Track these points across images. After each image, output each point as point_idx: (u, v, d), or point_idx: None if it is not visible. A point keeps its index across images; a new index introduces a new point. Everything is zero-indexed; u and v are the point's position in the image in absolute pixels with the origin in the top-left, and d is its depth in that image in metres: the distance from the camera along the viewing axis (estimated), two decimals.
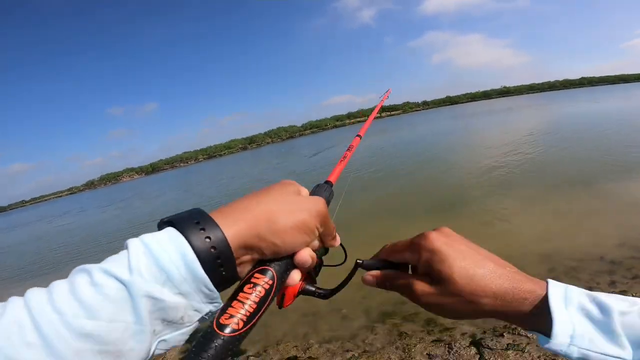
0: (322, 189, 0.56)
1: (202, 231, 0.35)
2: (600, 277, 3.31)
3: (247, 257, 0.39)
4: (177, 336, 0.35)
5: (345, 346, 3.00)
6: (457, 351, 2.55)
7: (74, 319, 0.28)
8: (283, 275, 0.41)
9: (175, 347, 0.37)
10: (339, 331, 3.30)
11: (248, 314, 0.36)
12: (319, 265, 0.52)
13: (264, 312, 0.38)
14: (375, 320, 3.34)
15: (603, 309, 0.38)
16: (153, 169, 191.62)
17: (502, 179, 7.81)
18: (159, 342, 0.34)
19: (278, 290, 0.40)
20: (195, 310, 0.35)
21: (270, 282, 0.39)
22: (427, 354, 2.62)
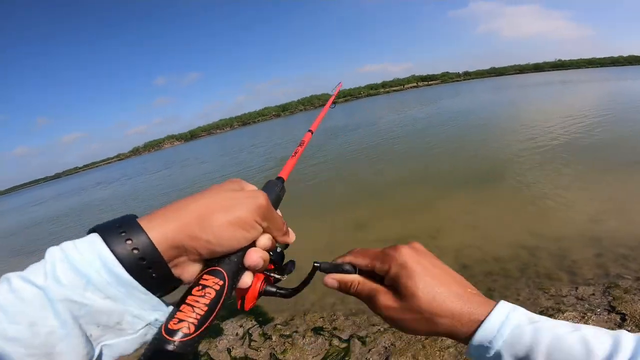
0: (272, 185, 0.55)
1: (122, 234, 0.35)
2: None
3: (182, 259, 0.38)
4: (123, 343, 0.35)
5: (372, 320, 3.02)
6: None
7: None
8: (235, 276, 0.40)
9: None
10: (366, 305, 3.32)
11: (199, 317, 0.35)
12: (282, 262, 0.52)
13: (217, 312, 0.37)
14: None
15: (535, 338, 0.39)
16: (191, 135, 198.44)
17: (552, 154, 7.32)
18: (102, 346, 0.35)
19: (231, 291, 0.39)
20: (135, 316, 0.35)
21: (221, 282, 0.38)
22: None
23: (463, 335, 0.43)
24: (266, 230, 0.44)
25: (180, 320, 0.34)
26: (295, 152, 0.74)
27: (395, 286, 0.46)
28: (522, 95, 26.25)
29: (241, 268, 0.42)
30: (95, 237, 0.35)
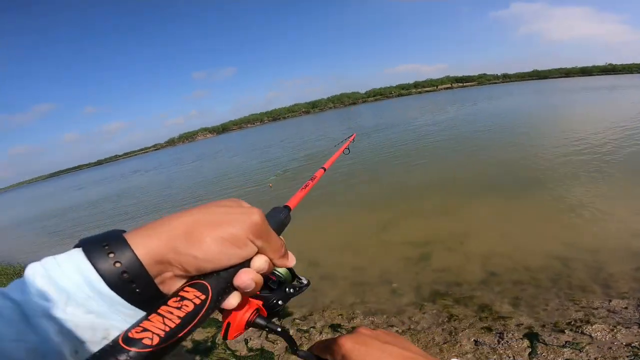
0: (277, 211, 0.53)
1: (105, 248, 0.34)
2: None
3: (168, 274, 0.37)
4: None
5: (390, 321, 3.02)
6: (507, 342, 2.43)
7: None
8: (221, 293, 0.38)
9: None
10: (386, 305, 3.33)
11: (167, 329, 0.31)
12: (286, 300, 0.50)
13: (192, 328, 0.34)
14: (426, 298, 3.30)
15: None
16: (223, 129, 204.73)
17: (595, 163, 6.90)
18: None
19: (214, 308, 0.37)
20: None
21: (203, 296, 0.35)
22: (474, 340, 2.54)
23: None
24: (261, 250, 0.42)
25: (145, 330, 0.31)
26: (306, 185, 0.74)
27: None
28: (566, 100, 24.84)
29: (229, 287, 0.39)
30: (76, 252, 0.34)
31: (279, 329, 0.49)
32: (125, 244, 0.34)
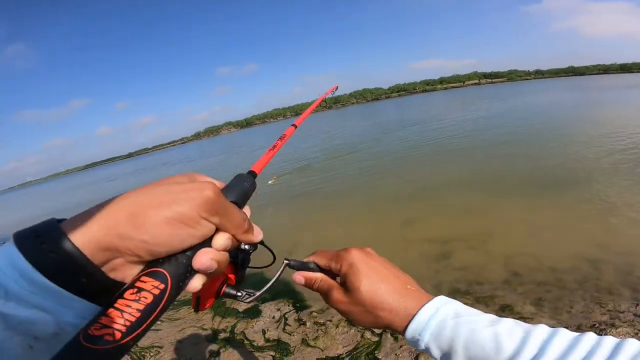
0: (241, 179, 0.49)
1: (38, 239, 0.31)
2: None
3: (119, 261, 0.34)
4: None
5: None
6: None
7: None
8: (181, 279, 0.35)
9: None
10: None
11: (128, 323, 0.30)
12: (242, 263, 0.48)
13: (154, 319, 0.32)
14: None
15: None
16: (247, 123, 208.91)
17: (634, 164, 6.51)
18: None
19: (175, 295, 0.35)
20: (77, 325, 0.32)
21: (162, 286, 0.33)
22: None
23: (400, 328, 0.47)
24: (220, 227, 0.38)
25: (104, 326, 0.30)
26: (274, 146, 0.68)
27: (345, 282, 0.51)
28: (607, 97, 23.53)
29: (190, 270, 0.36)
30: (8, 245, 0.31)
31: (254, 295, 0.48)
32: (60, 233, 0.32)
